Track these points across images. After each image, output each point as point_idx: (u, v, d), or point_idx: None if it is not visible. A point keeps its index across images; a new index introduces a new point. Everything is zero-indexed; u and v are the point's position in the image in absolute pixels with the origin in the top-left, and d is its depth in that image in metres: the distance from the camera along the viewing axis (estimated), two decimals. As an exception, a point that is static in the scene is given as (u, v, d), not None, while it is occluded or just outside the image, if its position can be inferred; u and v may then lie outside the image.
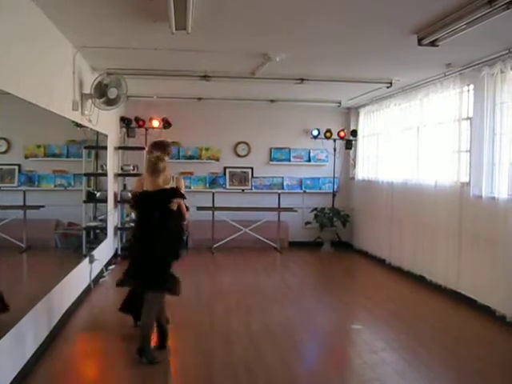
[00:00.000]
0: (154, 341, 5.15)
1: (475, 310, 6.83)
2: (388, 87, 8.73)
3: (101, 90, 7.09)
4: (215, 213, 11.02)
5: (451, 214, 7.58)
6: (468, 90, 7.44)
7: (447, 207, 7.68)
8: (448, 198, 7.66)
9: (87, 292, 7.39)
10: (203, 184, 11.72)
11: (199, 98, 10.81)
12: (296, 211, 11.47)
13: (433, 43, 5.62)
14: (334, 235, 11.77)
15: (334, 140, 11.69)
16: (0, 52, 4.04)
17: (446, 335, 6.04)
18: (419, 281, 8.41)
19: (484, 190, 6.86)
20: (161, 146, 5.78)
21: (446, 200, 7.70)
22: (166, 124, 10.88)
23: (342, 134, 11.64)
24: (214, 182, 11.82)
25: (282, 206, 11.44)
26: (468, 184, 7.28)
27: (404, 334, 6.08)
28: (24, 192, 5.68)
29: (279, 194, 11.51)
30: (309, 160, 12.11)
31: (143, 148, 10.56)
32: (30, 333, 4.83)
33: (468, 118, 7.39)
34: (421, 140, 8.61)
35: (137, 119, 10.79)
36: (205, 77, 8.21)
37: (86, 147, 7.82)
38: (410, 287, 8.35)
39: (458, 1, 4.62)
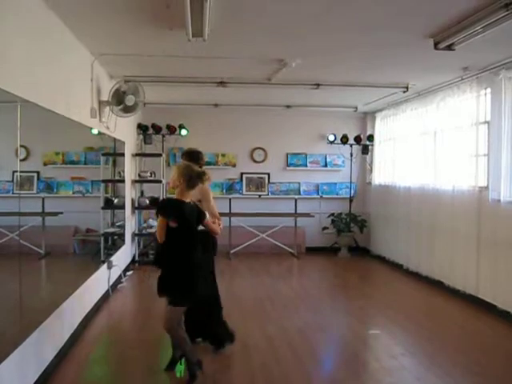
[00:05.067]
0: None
1: (495, 316, 6.77)
2: (404, 92, 8.70)
3: (118, 97, 7.15)
4: (232, 218, 11.03)
5: (469, 219, 7.52)
6: (485, 94, 7.39)
7: (465, 212, 7.63)
8: (466, 202, 7.61)
9: (105, 297, 7.44)
10: (220, 190, 11.73)
11: (216, 104, 10.84)
12: (313, 216, 11.46)
13: (449, 47, 5.59)
14: (352, 240, 11.74)
15: (351, 145, 11.67)
16: (19, 60, 4.10)
17: (465, 340, 6.00)
18: (437, 286, 8.35)
19: (502, 194, 6.80)
20: (193, 156, 5.53)
21: (464, 205, 7.64)
22: (184, 130, 10.97)
23: (358, 139, 11.62)
24: (230, 187, 11.85)
25: (298, 212, 11.45)
26: (486, 188, 7.23)
27: (422, 339, 6.05)
28: (43, 199, 5.73)
29: (296, 200, 11.52)
30: (325, 165, 12.10)
31: (160, 154, 10.66)
32: (50, 337, 4.88)
33: (486, 122, 7.34)
34: (438, 144, 8.57)
35: (154, 126, 10.86)
36: (221, 83, 8.25)
37: (103, 154, 7.87)
38: (429, 292, 8.30)
39: (474, 4, 4.61)
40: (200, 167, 5.24)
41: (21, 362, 4.06)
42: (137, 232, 10.47)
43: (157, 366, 5.07)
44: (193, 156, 5.53)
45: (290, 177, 12.06)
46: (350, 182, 11.94)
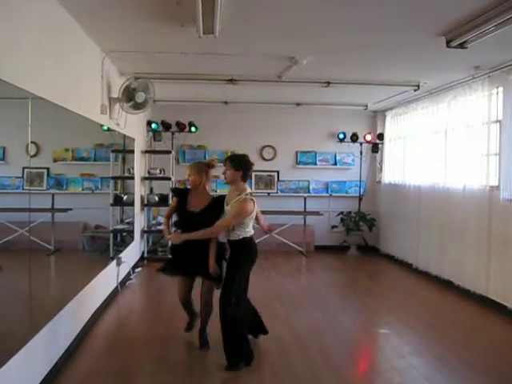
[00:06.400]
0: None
1: (505, 316, 6.74)
2: (415, 90, 8.66)
3: (128, 94, 7.15)
4: (241, 216, 10.99)
5: (480, 218, 7.48)
6: (497, 93, 7.34)
7: (476, 211, 7.58)
8: (477, 201, 7.56)
9: (114, 294, 7.46)
10: (229, 188, 11.67)
11: (225, 102, 10.83)
12: (322, 215, 11.45)
13: (461, 45, 5.56)
14: (361, 239, 11.72)
15: (361, 143, 11.65)
16: (30, 56, 4.11)
17: (475, 340, 5.97)
18: (447, 286, 8.32)
19: (514, 193, 6.77)
20: (237, 163, 5.23)
21: (475, 204, 7.60)
22: (193, 128, 11.00)
23: (368, 137, 11.59)
24: (239, 185, 11.80)
25: (307, 210, 11.42)
26: (497, 188, 7.18)
27: (432, 338, 6.02)
28: (52, 195, 5.75)
29: (305, 198, 11.49)
30: (335, 163, 12.06)
31: (169, 152, 10.66)
32: (60, 333, 4.90)
33: (497, 121, 7.29)
34: (449, 143, 8.51)
35: (163, 123, 10.87)
36: (231, 80, 8.24)
37: (113, 151, 7.89)
38: (438, 292, 8.26)
39: (487, 3, 4.57)
40: (244, 175, 5.18)
41: (28, 359, 4.07)
42: (146, 229, 10.50)
43: (165, 362, 5.07)
44: (237, 163, 5.22)
45: (300, 175, 12.04)
46: (360, 181, 11.91)
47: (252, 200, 5.09)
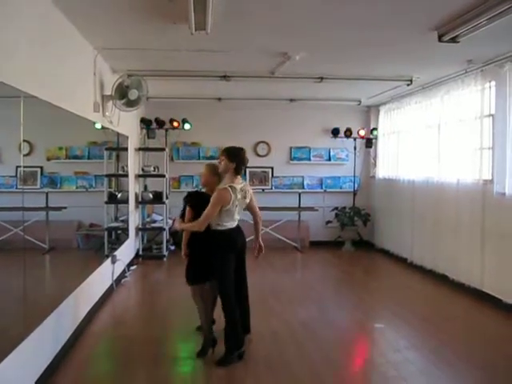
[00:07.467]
0: None
1: (500, 309, 6.76)
2: (408, 85, 8.67)
3: (121, 92, 7.14)
4: (236, 213, 10.98)
5: (474, 212, 7.50)
6: (490, 87, 7.35)
7: (470, 205, 7.60)
8: (470, 195, 7.58)
9: (110, 292, 7.45)
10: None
11: (219, 98, 10.81)
12: (317, 210, 11.44)
13: (453, 39, 5.56)
14: (355, 234, 11.73)
15: (354, 139, 11.66)
16: (24, 56, 4.09)
17: (471, 334, 5.99)
18: (442, 280, 8.33)
19: (507, 187, 6.76)
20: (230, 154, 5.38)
21: (469, 198, 7.61)
22: (187, 124, 11.00)
23: (362, 132, 11.60)
24: (234, 181, 11.79)
25: (302, 206, 11.43)
26: (491, 181, 7.20)
27: (427, 332, 6.04)
28: (46, 194, 5.73)
29: (300, 194, 11.50)
30: (329, 159, 12.07)
31: (163, 149, 10.65)
32: (54, 331, 4.90)
33: (490, 115, 7.31)
34: (442, 138, 8.52)
35: (157, 120, 10.85)
36: (224, 77, 8.23)
37: (106, 148, 7.88)
38: (433, 286, 8.29)
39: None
40: (237, 167, 5.23)
41: (22, 358, 4.06)
42: (140, 226, 10.49)
43: (160, 360, 5.07)
44: (231, 154, 5.34)
45: (294, 171, 12.04)
46: (354, 176, 11.93)
47: (229, 190, 5.06)
